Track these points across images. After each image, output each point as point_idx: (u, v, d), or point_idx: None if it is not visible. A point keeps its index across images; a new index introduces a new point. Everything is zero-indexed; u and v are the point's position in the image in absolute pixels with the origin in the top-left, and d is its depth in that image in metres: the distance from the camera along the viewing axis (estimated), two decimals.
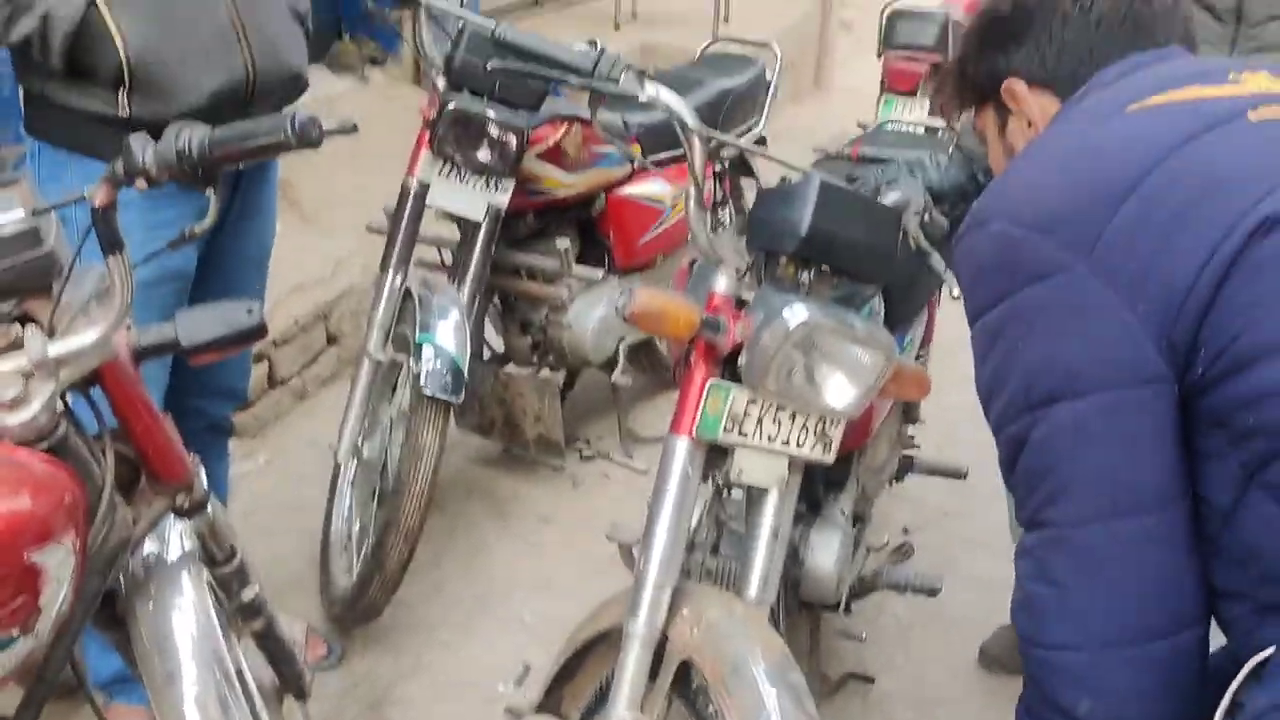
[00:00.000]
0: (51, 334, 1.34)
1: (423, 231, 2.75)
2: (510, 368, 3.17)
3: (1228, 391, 1.13)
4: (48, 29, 1.81)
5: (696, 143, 1.74)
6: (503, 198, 2.67)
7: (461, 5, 2.63)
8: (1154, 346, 1.14)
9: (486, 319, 3.17)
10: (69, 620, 1.37)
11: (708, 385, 1.68)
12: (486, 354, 3.24)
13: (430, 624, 2.72)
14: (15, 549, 1.17)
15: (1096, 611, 1.20)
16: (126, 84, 1.87)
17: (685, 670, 1.67)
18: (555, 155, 2.84)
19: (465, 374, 2.47)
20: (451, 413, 2.52)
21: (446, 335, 2.47)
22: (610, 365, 3.17)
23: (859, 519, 2.37)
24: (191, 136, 1.29)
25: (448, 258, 2.99)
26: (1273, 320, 1.10)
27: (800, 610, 2.28)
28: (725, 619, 1.66)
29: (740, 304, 1.75)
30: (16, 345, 1.31)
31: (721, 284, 1.74)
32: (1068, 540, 1.21)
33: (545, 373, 3.14)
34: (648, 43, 6.29)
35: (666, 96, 1.71)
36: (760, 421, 1.71)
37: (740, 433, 1.71)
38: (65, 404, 1.40)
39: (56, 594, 1.24)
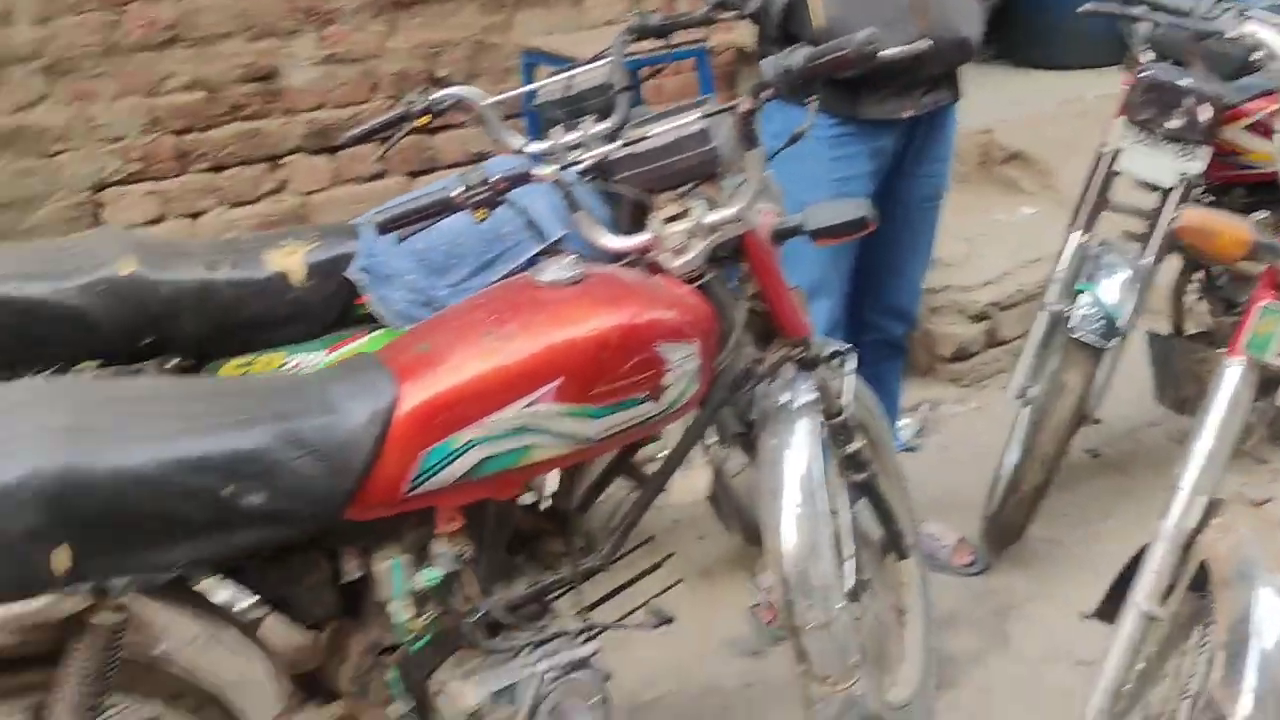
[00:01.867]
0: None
1: (1122, 201, 2.92)
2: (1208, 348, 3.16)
3: None
4: (769, 4, 2.42)
5: None
6: (1196, 165, 2.71)
7: None
8: None
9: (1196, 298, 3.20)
10: (698, 415, 1.92)
11: (1261, 307, 1.73)
12: (1191, 330, 3.26)
13: (1076, 563, 2.89)
14: (649, 340, 1.72)
15: None
16: None
17: (1204, 573, 1.75)
18: (1267, 130, 2.80)
19: (1121, 327, 2.61)
20: (1101, 359, 2.66)
21: (1110, 289, 2.64)
22: None
23: None
24: (795, 57, 1.76)
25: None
26: None
27: None
28: (1253, 534, 1.71)
29: None
30: (685, 214, 1.89)
31: None
32: None
33: None
34: None
35: (1264, 34, 1.77)
36: None
37: None
38: (719, 263, 1.95)
39: (677, 379, 1.76)
